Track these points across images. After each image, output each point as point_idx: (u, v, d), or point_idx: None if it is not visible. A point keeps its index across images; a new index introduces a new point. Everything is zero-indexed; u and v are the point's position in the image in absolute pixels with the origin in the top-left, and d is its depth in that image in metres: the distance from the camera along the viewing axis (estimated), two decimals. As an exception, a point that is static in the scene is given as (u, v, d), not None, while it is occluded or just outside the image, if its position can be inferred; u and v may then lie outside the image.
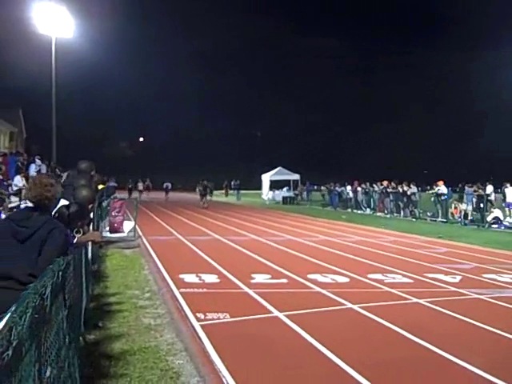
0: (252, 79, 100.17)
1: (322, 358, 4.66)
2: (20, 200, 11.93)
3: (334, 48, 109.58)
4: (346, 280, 8.40)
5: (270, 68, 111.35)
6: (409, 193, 23.43)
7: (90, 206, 4.50)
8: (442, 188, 21.53)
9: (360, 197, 28.17)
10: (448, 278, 8.69)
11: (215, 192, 37.90)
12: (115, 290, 7.22)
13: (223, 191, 48.00)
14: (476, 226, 19.15)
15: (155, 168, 64.94)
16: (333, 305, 6.66)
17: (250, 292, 7.30)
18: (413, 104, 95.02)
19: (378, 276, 8.72)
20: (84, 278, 5.36)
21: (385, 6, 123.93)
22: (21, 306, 1.76)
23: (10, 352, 1.51)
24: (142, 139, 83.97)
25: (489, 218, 19.10)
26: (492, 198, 20.41)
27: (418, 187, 24.85)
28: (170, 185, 41.91)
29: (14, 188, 14.49)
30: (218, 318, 5.83)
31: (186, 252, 11.46)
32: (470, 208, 20.33)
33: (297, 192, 39.36)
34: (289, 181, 40.95)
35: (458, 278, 8.82)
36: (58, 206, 3.98)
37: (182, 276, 8.26)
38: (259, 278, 8.31)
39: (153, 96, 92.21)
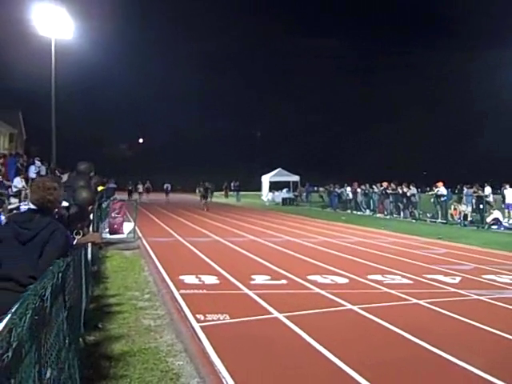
0: (252, 79, 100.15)
1: (321, 359, 4.66)
2: (20, 201, 11.93)
3: (333, 48, 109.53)
4: (346, 281, 8.40)
5: (269, 68, 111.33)
6: (408, 194, 23.45)
7: (89, 208, 4.51)
8: (441, 189, 21.54)
9: (359, 198, 28.17)
10: (447, 279, 8.69)
11: (215, 193, 37.91)
12: (115, 292, 7.22)
13: (223, 192, 48.02)
14: (475, 227, 19.16)
15: (155, 169, 64.95)
16: (332, 306, 6.66)
17: (250, 293, 7.30)
18: (413, 104, 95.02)
19: (378, 277, 8.72)
20: (84, 280, 5.37)
21: (385, 5, 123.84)
22: (21, 307, 1.76)
23: (9, 353, 1.52)
24: (141, 141, 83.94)
25: (488, 219, 19.11)
26: (490, 199, 20.40)
27: (417, 188, 24.88)
28: (170, 186, 41.90)
29: (14, 189, 14.51)
30: (218, 319, 5.84)
31: (185, 253, 11.46)
32: (469, 209, 20.34)
33: (296, 193, 39.40)
34: (288, 182, 41.02)
35: (458, 278, 8.83)
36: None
37: (181, 277, 8.26)
38: (259, 279, 8.31)
39: (152, 96, 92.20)
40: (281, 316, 6.05)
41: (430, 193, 23.16)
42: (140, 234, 14.02)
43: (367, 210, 27.18)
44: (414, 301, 7.04)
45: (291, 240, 14.36)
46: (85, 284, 5.48)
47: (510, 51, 63.56)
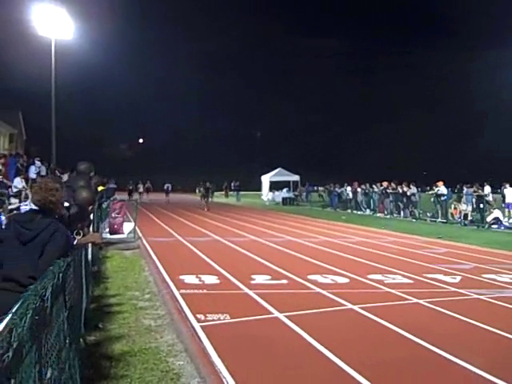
0: (252, 79, 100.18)
1: (322, 359, 4.66)
2: (20, 202, 11.93)
3: (334, 48, 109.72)
4: (346, 281, 8.40)
5: (269, 68, 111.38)
6: (408, 193, 23.45)
7: (89, 208, 4.51)
8: (441, 189, 21.54)
9: (360, 197, 28.18)
10: (448, 279, 8.69)
11: (215, 193, 37.93)
12: (115, 292, 7.22)
13: (223, 192, 48.04)
14: (476, 227, 19.16)
15: (155, 169, 64.94)
16: (333, 305, 6.66)
17: (250, 293, 7.30)
18: (413, 104, 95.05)
19: (378, 276, 8.72)
20: (84, 280, 5.37)
21: (385, 5, 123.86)
22: (21, 307, 1.76)
23: (10, 353, 1.52)
24: (141, 141, 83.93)
25: (489, 219, 19.10)
26: (490, 198, 20.40)
27: (417, 188, 24.87)
28: (170, 186, 41.89)
29: (14, 190, 14.49)
30: (219, 319, 5.84)
31: (185, 253, 11.46)
32: (469, 208, 20.34)
33: (296, 193, 39.39)
34: (288, 182, 41.01)
35: (458, 278, 8.83)
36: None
37: (182, 277, 8.27)
38: (259, 279, 8.32)
39: (152, 97, 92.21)
40: (281, 316, 6.05)
41: (430, 192, 23.14)
42: (140, 234, 14.02)
43: (367, 210, 27.18)
44: (415, 300, 7.04)
45: (291, 240, 14.36)
46: (85, 284, 5.48)
47: (510, 51, 63.56)
